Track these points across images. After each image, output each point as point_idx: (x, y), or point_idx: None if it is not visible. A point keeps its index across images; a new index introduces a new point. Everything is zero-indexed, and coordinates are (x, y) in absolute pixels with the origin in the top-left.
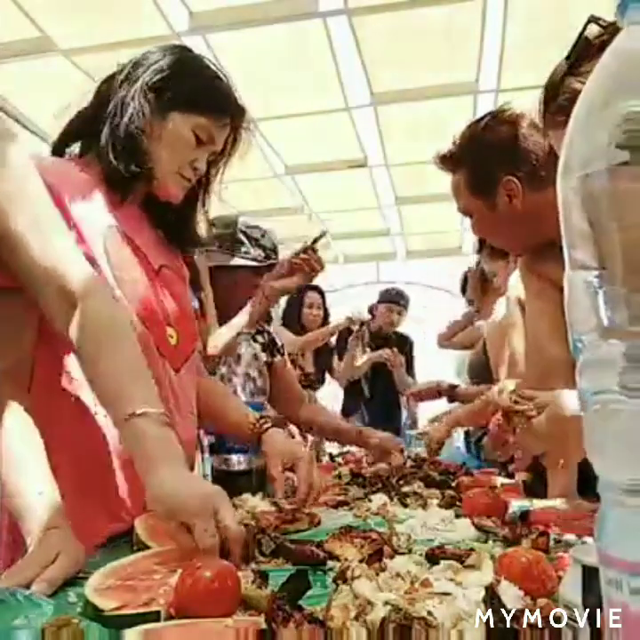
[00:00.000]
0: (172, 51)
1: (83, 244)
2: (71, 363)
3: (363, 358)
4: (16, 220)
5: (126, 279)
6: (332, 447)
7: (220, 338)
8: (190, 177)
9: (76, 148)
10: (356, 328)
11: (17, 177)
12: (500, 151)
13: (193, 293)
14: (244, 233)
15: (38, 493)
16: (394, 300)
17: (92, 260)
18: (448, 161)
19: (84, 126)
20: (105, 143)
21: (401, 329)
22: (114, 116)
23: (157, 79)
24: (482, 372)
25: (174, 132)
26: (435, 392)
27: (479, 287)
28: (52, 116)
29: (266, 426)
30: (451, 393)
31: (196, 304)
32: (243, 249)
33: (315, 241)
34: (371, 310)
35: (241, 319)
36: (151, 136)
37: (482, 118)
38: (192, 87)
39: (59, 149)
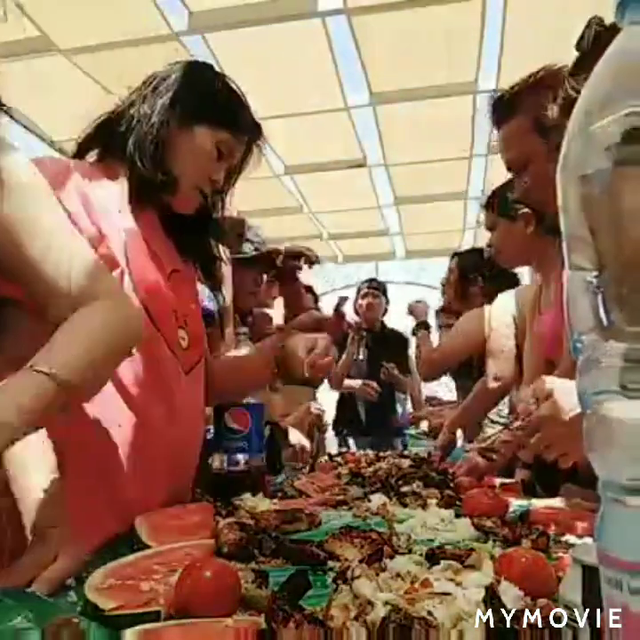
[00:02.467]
0: (199, 67)
1: (104, 244)
2: None
3: (352, 382)
4: (30, 251)
5: (143, 281)
6: (331, 447)
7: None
8: (207, 190)
9: (98, 150)
10: (351, 333)
11: (27, 200)
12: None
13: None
14: (232, 230)
15: (42, 490)
16: (365, 286)
17: (112, 261)
18: (504, 105)
19: (109, 131)
20: (132, 150)
21: (399, 327)
22: (143, 124)
23: (185, 93)
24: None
25: (199, 145)
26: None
27: (459, 291)
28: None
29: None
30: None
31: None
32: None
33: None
34: (355, 310)
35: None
36: (176, 147)
37: (540, 70)
38: (221, 104)
39: (81, 152)
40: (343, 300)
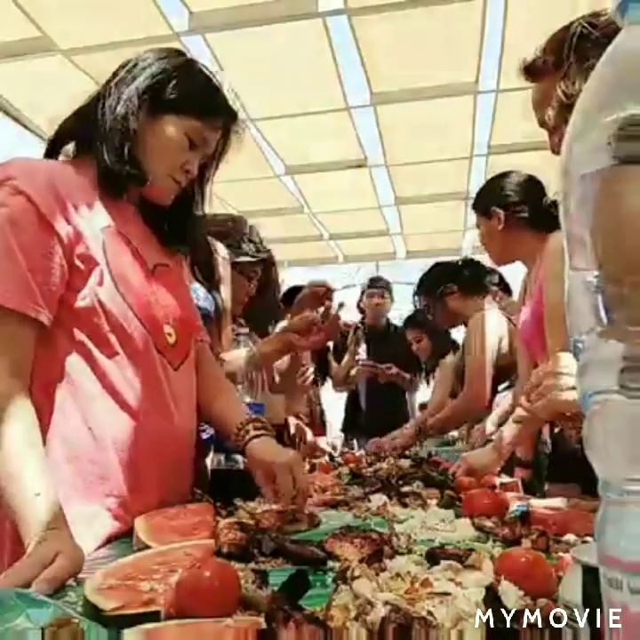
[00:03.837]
0: (166, 54)
1: (82, 243)
2: (69, 362)
3: (354, 370)
4: None
5: (124, 279)
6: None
7: (234, 362)
8: (181, 180)
9: (71, 148)
10: (350, 333)
11: None
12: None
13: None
14: (235, 229)
15: (35, 495)
16: (371, 285)
17: (91, 260)
18: (541, 66)
19: (79, 127)
20: (99, 144)
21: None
22: (108, 117)
23: (152, 82)
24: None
25: (168, 134)
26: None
27: (445, 314)
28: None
29: (247, 437)
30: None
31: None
32: (235, 245)
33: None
34: (358, 307)
35: (256, 354)
36: (145, 138)
37: (575, 22)
38: (187, 91)
39: (54, 149)
40: (339, 306)
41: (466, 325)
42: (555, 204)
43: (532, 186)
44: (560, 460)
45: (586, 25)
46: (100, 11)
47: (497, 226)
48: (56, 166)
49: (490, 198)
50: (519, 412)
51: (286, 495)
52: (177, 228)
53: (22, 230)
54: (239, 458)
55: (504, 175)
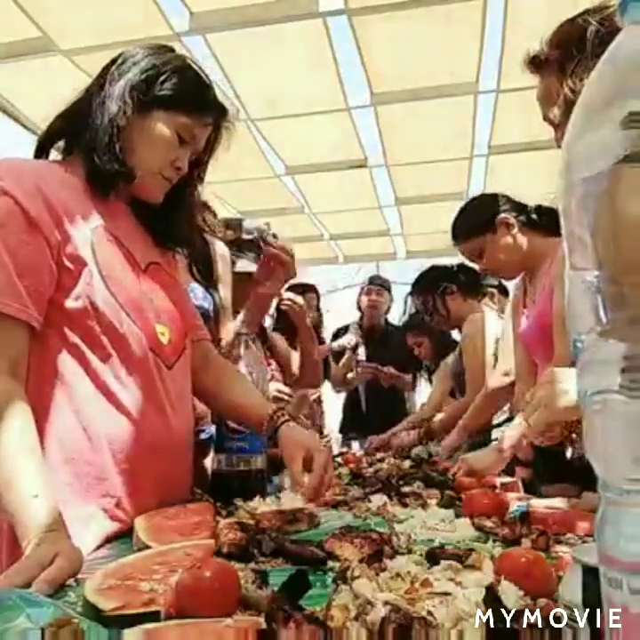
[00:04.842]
0: (155, 50)
1: (70, 244)
2: (62, 363)
3: (353, 373)
4: None
5: (114, 278)
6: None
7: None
8: (171, 177)
9: (61, 146)
10: (348, 350)
11: None
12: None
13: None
14: (265, 241)
15: (33, 496)
16: (369, 283)
17: (80, 260)
18: (545, 59)
19: (68, 126)
20: (88, 141)
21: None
22: (97, 114)
23: (141, 78)
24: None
25: (157, 131)
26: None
27: (443, 312)
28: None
29: (282, 419)
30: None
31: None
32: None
33: (263, 235)
34: (358, 306)
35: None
36: (133, 135)
37: (580, 15)
38: (175, 86)
39: (44, 147)
40: (266, 225)
41: (460, 328)
42: (539, 208)
43: (508, 197)
44: (550, 461)
45: (591, 21)
46: (100, 11)
47: (510, 232)
48: (43, 166)
49: (486, 213)
50: (522, 418)
51: (317, 473)
52: (170, 226)
53: (9, 232)
54: (234, 459)
55: (474, 199)
